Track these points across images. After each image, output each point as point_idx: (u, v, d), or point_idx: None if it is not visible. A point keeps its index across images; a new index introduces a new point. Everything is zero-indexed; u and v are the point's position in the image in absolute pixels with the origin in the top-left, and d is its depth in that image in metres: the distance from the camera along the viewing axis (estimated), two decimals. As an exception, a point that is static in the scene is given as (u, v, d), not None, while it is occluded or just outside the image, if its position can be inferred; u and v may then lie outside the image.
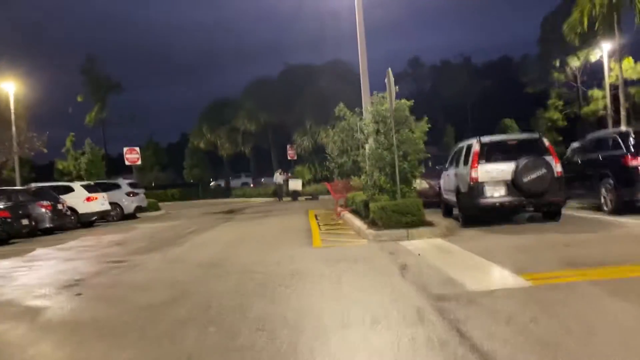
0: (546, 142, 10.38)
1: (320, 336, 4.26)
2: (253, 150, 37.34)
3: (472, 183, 10.15)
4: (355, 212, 14.22)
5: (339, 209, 15.90)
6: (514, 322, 4.27)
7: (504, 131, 34.66)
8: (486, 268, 6.54)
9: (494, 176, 10.06)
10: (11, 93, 26.48)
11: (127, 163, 26.34)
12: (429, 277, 6.14)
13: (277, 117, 33.11)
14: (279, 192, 30.42)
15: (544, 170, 9.73)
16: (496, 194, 10.03)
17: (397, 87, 10.90)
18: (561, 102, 35.95)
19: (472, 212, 10.48)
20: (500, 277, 6.00)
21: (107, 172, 35.42)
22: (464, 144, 11.55)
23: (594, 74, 34.40)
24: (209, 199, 36.40)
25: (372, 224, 10.69)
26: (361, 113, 18.16)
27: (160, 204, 31.96)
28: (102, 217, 20.57)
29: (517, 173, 9.81)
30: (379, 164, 11.28)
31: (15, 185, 22.76)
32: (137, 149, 26.53)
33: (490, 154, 10.25)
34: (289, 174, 32.48)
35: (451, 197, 11.85)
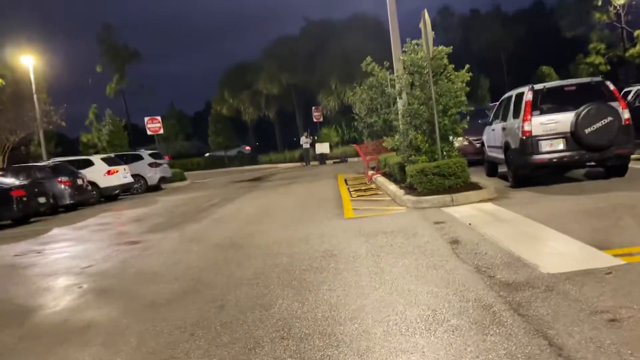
0: (611, 85, 8.93)
1: (363, 349, 3.24)
2: (277, 114, 36.14)
3: (524, 137, 8.85)
4: (388, 176, 13.08)
5: (370, 172, 14.77)
6: (624, 322, 3.16)
7: (541, 80, 32.50)
8: (557, 241, 5.38)
9: (550, 128, 8.74)
10: (31, 67, 25.86)
11: (148, 133, 25.62)
12: (490, 256, 5.03)
13: (300, 78, 31.67)
14: (306, 157, 29.39)
15: (609, 119, 8.35)
16: (553, 149, 8.72)
17: (433, 32, 9.53)
18: (603, 45, 33.40)
19: (524, 171, 9.22)
20: (580, 253, 4.83)
21: (132, 143, 35.02)
22: (512, 93, 10.17)
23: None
24: (235, 167, 35.69)
25: (410, 188, 9.57)
26: (391, 67, 16.76)
27: (186, 173, 31.49)
28: (126, 190, 19.98)
29: (577, 124, 8.46)
30: (415, 121, 10.03)
31: (43, 160, 22.31)
32: (159, 118, 25.74)
33: (545, 103, 8.89)
34: (315, 137, 31.32)
35: (498, 155, 10.57)
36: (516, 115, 9.29)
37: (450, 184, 8.89)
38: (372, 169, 15.42)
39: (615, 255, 4.54)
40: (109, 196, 18.79)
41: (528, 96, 8.90)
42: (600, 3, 31.53)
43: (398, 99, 13.89)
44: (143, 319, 4.36)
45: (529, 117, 8.78)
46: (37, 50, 29.44)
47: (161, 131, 25.75)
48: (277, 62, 31.20)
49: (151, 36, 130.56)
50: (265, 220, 9.39)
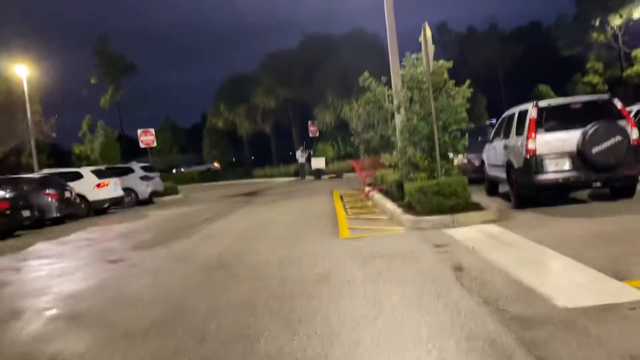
0: (618, 103, 8.60)
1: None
2: (273, 128, 35.78)
3: (528, 156, 8.48)
4: (385, 193, 12.68)
5: (366, 189, 14.37)
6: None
7: (539, 99, 32.42)
8: (571, 270, 4.97)
9: (555, 147, 8.38)
10: (24, 77, 25.47)
11: (141, 145, 25.19)
12: (498, 286, 4.61)
13: (296, 92, 31.41)
14: (302, 171, 29.00)
15: (618, 138, 8.02)
16: (558, 169, 8.36)
17: (434, 46, 9.21)
18: (601, 65, 33.36)
19: (527, 191, 8.84)
20: (599, 284, 4.42)
21: (125, 156, 34.54)
22: (514, 110, 9.84)
23: (637, 32, 31.72)
24: (230, 180, 35.23)
25: (408, 207, 9.17)
26: (388, 82, 16.48)
27: (180, 186, 31.00)
28: (116, 204, 19.47)
29: (584, 143, 8.11)
30: (414, 137, 9.67)
31: (33, 172, 21.74)
32: (152, 130, 25.32)
33: (550, 120, 8.55)
34: (311, 152, 30.96)
35: (499, 174, 10.21)
36: (519, 132, 8.94)
37: (451, 203, 8.49)
38: (369, 185, 15.04)
39: (637, 288, 4.14)
40: (98, 210, 18.30)
41: (532, 113, 8.55)
42: (597, 23, 31.57)
43: (396, 115, 13.56)
44: (113, 352, 3.90)
45: (533, 134, 8.43)
46: (32, 60, 29.15)
47: (154, 144, 25.33)
48: (274, 76, 30.96)
49: (149, 47, 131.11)
50: (257, 237, 8.95)
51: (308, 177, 29.21)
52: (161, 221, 13.67)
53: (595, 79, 32.79)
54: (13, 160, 25.93)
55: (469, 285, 4.71)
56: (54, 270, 7.82)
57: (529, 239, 6.44)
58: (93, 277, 7.00)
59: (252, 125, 34.68)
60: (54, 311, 5.34)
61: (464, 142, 9.49)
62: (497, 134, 10.73)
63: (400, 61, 11.12)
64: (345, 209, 12.08)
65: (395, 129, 14.46)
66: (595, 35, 32.42)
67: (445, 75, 9.79)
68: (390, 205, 10.42)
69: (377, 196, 12.68)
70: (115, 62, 35.50)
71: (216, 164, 31.68)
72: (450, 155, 9.51)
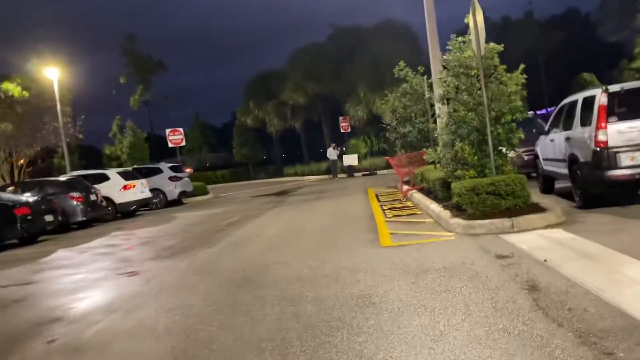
0: None
1: None
2: (303, 124, 34.90)
3: (598, 149, 7.33)
4: (427, 192, 11.64)
5: (405, 187, 13.34)
6: None
7: (583, 88, 30.61)
8: (686, 293, 3.90)
9: (630, 138, 7.21)
10: (55, 79, 25.33)
11: (170, 145, 24.71)
12: (593, 316, 3.59)
13: (326, 87, 30.39)
14: (333, 169, 28.05)
15: None
16: (635, 163, 7.18)
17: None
18: (649, 50, 31.20)
19: (596, 189, 7.68)
20: None
21: (155, 155, 34.28)
22: (576, 97, 8.66)
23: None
24: (261, 179, 34.61)
25: (457, 209, 8.14)
26: (426, 72, 15.37)
27: (210, 186, 30.52)
28: (144, 205, 18.99)
29: (668, 132, 6.91)
30: (462, 130, 8.60)
31: (66, 174, 21.44)
32: (181, 129, 24.82)
33: (624, 107, 7.37)
34: (343, 148, 29.97)
35: (558, 169, 9.04)
36: (585, 122, 7.78)
37: (508, 205, 7.43)
38: (406, 183, 13.99)
39: None
40: (125, 212, 17.82)
41: (602, 100, 7.38)
42: (647, 4, 29.51)
43: (437, 106, 12.49)
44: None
45: (603, 124, 7.27)
46: (61, 61, 29.14)
47: (183, 143, 24.82)
48: (303, 71, 30.00)
49: (180, 48, 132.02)
50: (287, 246, 8.07)
51: (340, 175, 28.25)
52: (187, 225, 12.96)
53: (644, 64, 30.70)
54: (43, 163, 25.81)
55: (555, 315, 3.70)
56: (67, 285, 7.12)
57: (612, 247, 5.35)
58: (106, 294, 6.25)
59: (282, 122, 33.84)
60: (54, 341, 4.57)
61: (520, 135, 8.38)
62: (554, 125, 9.56)
63: (443, 47, 10.06)
64: (383, 210, 11.10)
65: (435, 121, 13.39)
66: (644, 17, 30.31)
67: (496, 60, 8.68)
68: (434, 206, 9.39)
69: (418, 196, 11.65)
70: (143, 62, 35.29)
71: (188, 169, 28.07)
72: (504, 149, 8.40)
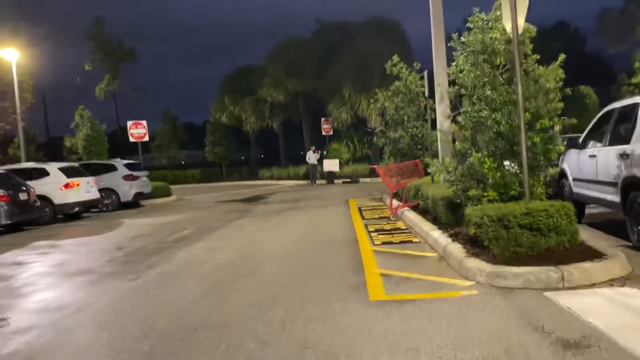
0: None
1: None
2: (282, 125, 32.41)
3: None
4: (422, 212, 9.48)
5: (394, 203, 11.13)
6: None
7: (580, 101, 29.00)
8: None
9: None
10: (14, 62, 22.63)
11: (131, 139, 22.15)
12: None
13: (309, 85, 28.04)
14: (312, 174, 25.76)
15: None
16: None
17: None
18: (651, 65, 29.68)
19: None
20: None
21: (122, 151, 31.56)
22: (626, 103, 6.56)
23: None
24: (234, 181, 32.13)
25: (471, 243, 5.97)
26: (422, 70, 13.26)
27: (176, 187, 27.98)
28: (91, 207, 16.42)
29: None
30: (482, 136, 6.41)
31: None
32: (144, 122, 22.27)
33: None
34: (323, 152, 27.68)
35: (602, 194, 6.91)
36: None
37: (550, 244, 5.28)
38: (396, 196, 11.79)
39: None
40: (70, 214, 15.27)
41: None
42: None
43: (438, 107, 10.35)
44: None
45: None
46: (22, 43, 26.50)
47: (146, 138, 22.29)
48: (284, 67, 27.58)
49: (161, 43, 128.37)
50: (236, 286, 5.76)
51: (319, 181, 26.00)
52: (127, 238, 10.54)
53: (646, 80, 29.10)
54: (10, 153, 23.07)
55: None
56: None
57: None
58: None
59: (259, 121, 31.28)
60: None
61: (559, 146, 6.24)
62: (594, 137, 7.45)
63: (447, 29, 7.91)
64: (368, 231, 8.87)
65: (434, 126, 11.27)
66: (646, 31, 28.81)
67: (529, 47, 6.54)
68: (436, 234, 7.20)
69: (411, 215, 9.46)
70: (112, 48, 32.49)
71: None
72: (542, 163, 6.22)
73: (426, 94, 10.73)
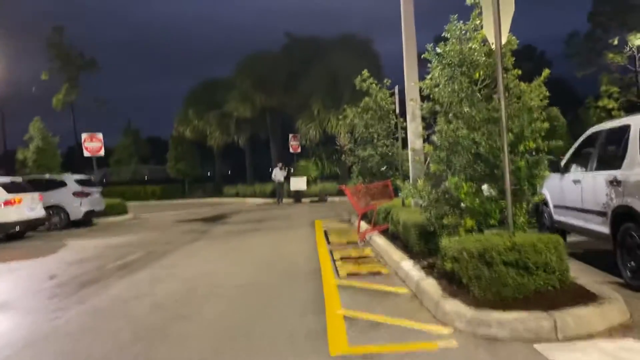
0: None
1: None
2: (249, 140, 31.35)
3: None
4: (392, 237, 8.74)
5: (362, 226, 10.38)
6: None
7: (550, 122, 29.11)
8: None
9: None
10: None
11: (85, 153, 20.84)
12: None
13: (277, 100, 27.22)
14: (279, 192, 24.86)
15: None
16: None
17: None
18: (616, 89, 30.13)
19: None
20: None
21: (77, 165, 30.01)
22: (625, 122, 5.98)
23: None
24: (197, 198, 30.89)
25: (447, 279, 5.23)
26: (393, 86, 12.67)
27: (136, 203, 26.66)
28: (36, 226, 15.10)
29: None
30: (459, 158, 5.73)
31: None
32: (100, 135, 20.99)
33: None
34: (290, 170, 26.83)
35: (588, 224, 6.30)
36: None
37: (538, 283, 4.57)
38: (365, 217, 11.04)
39: None
40: (10, 235, 13.94)
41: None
42: (616, 42, 28.36)
43: (409, 126, 9.70)
44: None
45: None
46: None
47: (102, 152, 21.00)
48: (252, 81, 26.68)
49: (121, 56, 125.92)
50: (175, 329, 4.85)
51: (286, 200, 25.12)
52: (62, 264, 9.44)
53: (610, 103, 29.42)
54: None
55: None
56: None
57: None
58: None
59: (225, 136, 30.16)
60: None
61: (545, 172, 5.59)
62: (576, 161, 6.89)
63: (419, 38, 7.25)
64: (333, 259, 8.06)
65: (404, 145, 10.64)
66: (611, 55, 29.15)
67: (510, 60, 5.94)
68: (407, 265, 6.46)
69: (381, 242, 8.70)
70: (71, 58, 30.98)
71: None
72: (526, 190, 5.55)
73: (397, 110, 10.08)
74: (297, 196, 24.85)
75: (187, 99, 31.30)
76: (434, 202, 6.29)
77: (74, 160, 30.57)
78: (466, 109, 5.73)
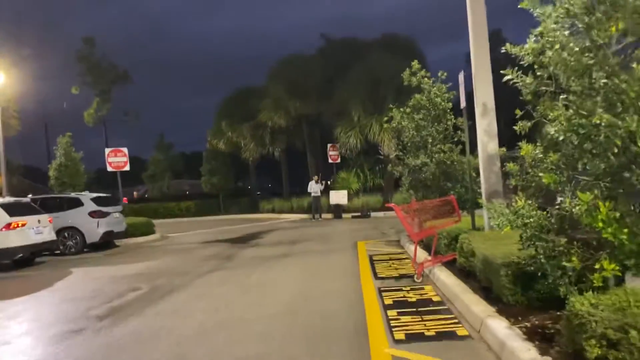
0: None
1: None
2: (285, 152, 29.56)
3: None
4: (464, 274, 6.50)
5: (419, 255, 8.12)
6: None
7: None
8: None
9: None
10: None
11: (109, 169, 19.43)
12: None
13: (313, 107, 25.21)
14: (315, 208, 22.78)
15: None
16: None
17: None
18: None
19: None
20: None
21: (107, 183, 28.98)
22: None
23: None
24: (231, 214, 29.23)
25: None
26: (448, 79, 10.46)
27: (169, 221, 25.30)
28: (45, 251, 13.55)
29: None
30: (596, 162, 3.49)
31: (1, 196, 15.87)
32: (125, 150, 19.57)
33: None
34: (329, 182, 24.73)
35: None
36: None
37: None
38: (421, 242, 8.78)
39: None
40: (19, 261, 12.41)
41: None
42: None
43: (479, 123, 7.46)
44: None
45: None
46: (6, 66, 24.39)
47: (127, 167, 19.53)
48: (286, 86, 24.88)
49: (157, 73, 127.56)
50: None
51: (325, 215, 23.03)
52: (52, 302, 7.66)
53: None
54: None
55: None
56: None
57: None
58: None
59: (260, 148, 28.42)
60: None
61: None
62: None
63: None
64: (384, 306, 5.90)
65: (462, 151, 8.38)
66: None
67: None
68: (501, 329, 4.24)
69: (446, 279, 6.47)
70: (103, 71, 30.16)
71: (125, 200, 21.03)
72: None
73: (462, 103, 7.81)
74: (337, 211, 22.71)
75: (220, 111, 29.78)
76: (541, 230, 4.06)
77: (104, 177, 29.50)
78: (604, 81, 3.49)
